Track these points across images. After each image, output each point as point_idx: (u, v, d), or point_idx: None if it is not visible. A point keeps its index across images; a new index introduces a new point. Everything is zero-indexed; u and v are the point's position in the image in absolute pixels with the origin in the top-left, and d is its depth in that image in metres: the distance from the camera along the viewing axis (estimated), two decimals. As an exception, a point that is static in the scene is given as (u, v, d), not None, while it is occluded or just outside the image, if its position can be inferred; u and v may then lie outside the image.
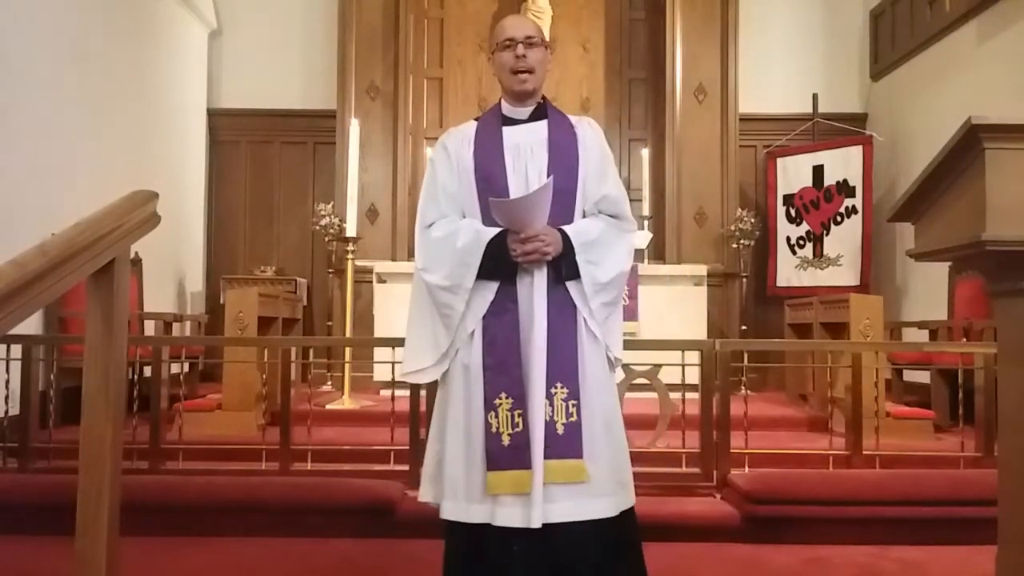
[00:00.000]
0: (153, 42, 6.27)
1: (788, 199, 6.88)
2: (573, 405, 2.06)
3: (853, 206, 6.52)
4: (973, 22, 5.64)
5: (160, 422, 3.78)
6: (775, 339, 6.02)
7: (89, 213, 1.76)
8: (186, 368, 5.24)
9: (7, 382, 3.67)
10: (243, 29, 7.41)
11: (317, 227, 6.09)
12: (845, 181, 6.56)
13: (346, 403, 4.92)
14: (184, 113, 6.89)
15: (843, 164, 6.60)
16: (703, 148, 6.58)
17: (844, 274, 6.52)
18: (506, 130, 2.22)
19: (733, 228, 6.35)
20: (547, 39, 2.28)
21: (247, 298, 4.52)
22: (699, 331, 5.72)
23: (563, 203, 2.14)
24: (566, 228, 2.13)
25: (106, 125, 5.48)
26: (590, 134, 2.26)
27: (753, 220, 6.34)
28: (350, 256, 5.31)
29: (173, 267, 6.66)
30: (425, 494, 2.17)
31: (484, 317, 2.12)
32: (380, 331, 5.70)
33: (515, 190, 2.15)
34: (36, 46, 4.67)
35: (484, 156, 2.19)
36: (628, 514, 2.13)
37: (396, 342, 3.82)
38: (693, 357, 3.56)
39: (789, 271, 6.85)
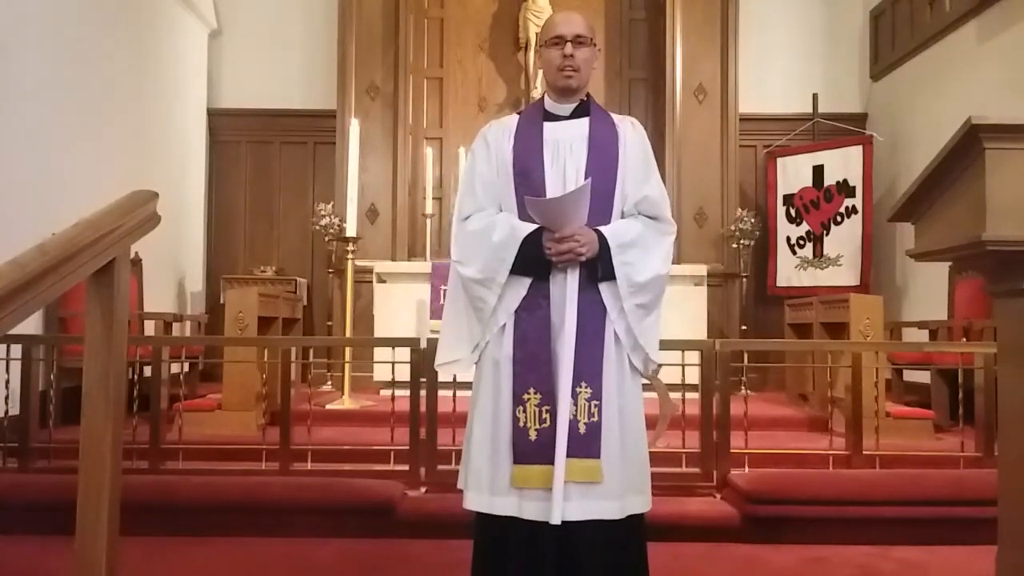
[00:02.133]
0: (153, 42, 6.27)
1: (788, 199, 6.88)
2: (595, 406, 2.06)
3: (853, 206, 6.51)
4: (973, 22, 5.63)
5: (160, 422, 3.79)
6: (775, 339, 6.01)
7: (89, 213, 1.76)
8: (186, 368, 5.23)
9: (7, 382, 3.67)
10: (243, 29, 7.40)
11: (317, 227, 6.09)
12: (845, 181, 6.56)
13: (346, 403, 4.92)
14: (184, 113, 6.89)
15: (843, 164, 6.59)
16: (703, 148, 6.57)
17: (844, 274, 6.51)
18: (547, 125, 2.21)
19: (733, 228, 6.34)
20: (596, 38, 2.23)
21: (247, 298, 4.52)
22: (699, 331, 5.70)
23: (601, 202, 2.12)
24: (602, 229, 2.11)
25: (106, 125, 5.47)
26: (632, 134, 2.24)
27: (753, 220, 6.34)
28: (350, 256, 5.31)
29: (173, 267, 6.66)
30: (462, 482, 2.19)
31: (516, 312, 2.12)
32: (380, 331, 5.70)
33: (552, 185, 2.14)
34: (36, 46, 4.67)
35: (523, 149, 2.18)
36: (637, 520, 2.12)
37: (396, 342, 3.84)
38: (693, 357, 3.56)
39: (789, 271, 6.85)
